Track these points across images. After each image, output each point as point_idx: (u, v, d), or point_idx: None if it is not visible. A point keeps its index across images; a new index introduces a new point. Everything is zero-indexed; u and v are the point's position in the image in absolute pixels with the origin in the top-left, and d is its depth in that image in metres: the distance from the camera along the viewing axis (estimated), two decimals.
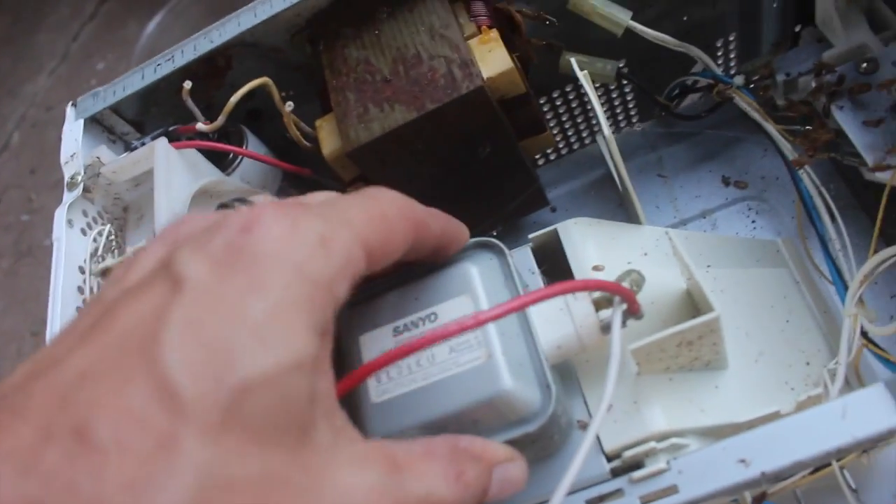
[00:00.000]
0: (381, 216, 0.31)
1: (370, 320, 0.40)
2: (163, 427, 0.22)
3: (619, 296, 0.37)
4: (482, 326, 0.37)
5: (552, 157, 0.73)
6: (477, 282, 0.39)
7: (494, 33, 0.50)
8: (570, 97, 0.69)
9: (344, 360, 0.40)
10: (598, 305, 0.39)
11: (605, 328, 0.39)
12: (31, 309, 1.74)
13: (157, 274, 0.26)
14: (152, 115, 0.62)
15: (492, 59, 0.49)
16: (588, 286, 0.36)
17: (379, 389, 0.38)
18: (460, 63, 0.48)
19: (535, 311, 0.39)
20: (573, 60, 0.50)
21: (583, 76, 0.48)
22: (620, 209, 0.61)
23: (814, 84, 0.54)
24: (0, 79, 2.29)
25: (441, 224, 0.38)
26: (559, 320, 0.39)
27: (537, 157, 0.72)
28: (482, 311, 0.31)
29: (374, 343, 0.39)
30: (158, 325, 0.24)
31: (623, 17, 0.53)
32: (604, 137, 0.47)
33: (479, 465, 0.32)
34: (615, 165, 0.50)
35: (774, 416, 0.42)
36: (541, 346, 0.38)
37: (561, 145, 0.72)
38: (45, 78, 2.22)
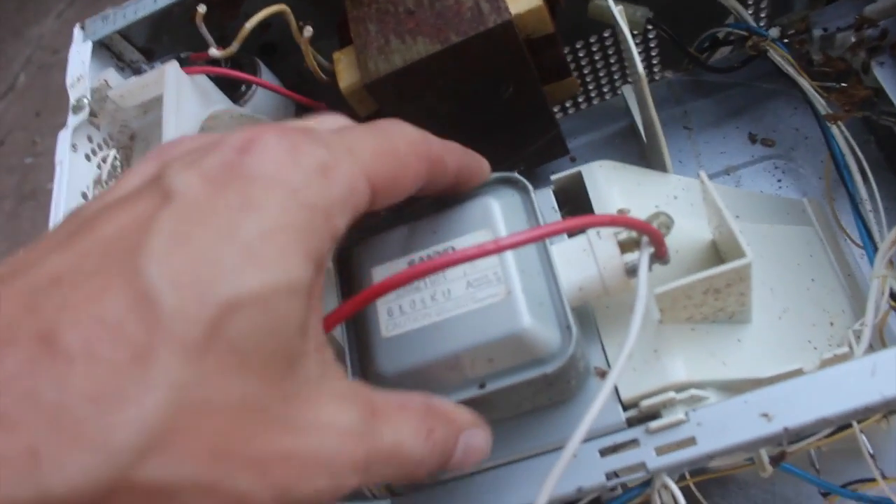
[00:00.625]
0: (391, 150, 0.30)
1: (384, 252, 0.38)
2: (138, 339, 0.21)
3: (648, 236, 0.35)
4: (502, 257, 0.35)
5: (571, 110, 0.71)
6: (498, 216, 0.37)
7: None
8: (594, 48, 0.66)
9: (356, 289, 0.38)
10: (624, 248, 0.38)
11: (630, 271, 0.37)
12: None
13: (146, 188, 0.25)
14: (163, 42, 0.60)
15: None
16: (616, 221, 0.34)
17: (390, 324, 0.36)
18: None
19: (557, 251, 0.38)
20: (611, 3, 0.48)
21: (618, 12, 0.46)
22: (642, 161, 0.59)
23: (853, 39, 0.52)
24: (6, 20, 2.26)
25: (459, 160, 0.36)
26: (582, 261, 0.38)
27: (558, 106, 0.70)
28: (503, 237, 0.29)
29: (388, 276, 0.37)
30: (143, 234, 0.22)
31: None
32: (638, 79, 0.45)
33: (448, 426, 0.31)
34: (645, 110, 0.48)
35: (797, 374, 0.40)
36: (562, 285, 0.36)
37: (581, 99, 0.71)
38: (52, 20, 2.19)
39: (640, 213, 0.42)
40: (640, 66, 0.44)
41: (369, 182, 0.28)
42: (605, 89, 0.70)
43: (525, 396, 0.37)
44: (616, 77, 0.70)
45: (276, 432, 0.24)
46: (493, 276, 0.36)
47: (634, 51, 0.44)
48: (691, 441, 0.36)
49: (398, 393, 0.30)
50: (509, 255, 0.36)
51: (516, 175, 0.39)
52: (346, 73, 0.50)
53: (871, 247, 0.48)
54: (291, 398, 0.24)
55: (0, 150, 1.97)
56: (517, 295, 0.35)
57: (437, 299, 0.36)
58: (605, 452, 0.37)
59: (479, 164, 0.38)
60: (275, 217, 0.24)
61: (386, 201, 0.30)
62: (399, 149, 0.30)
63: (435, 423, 0.30)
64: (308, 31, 0.49)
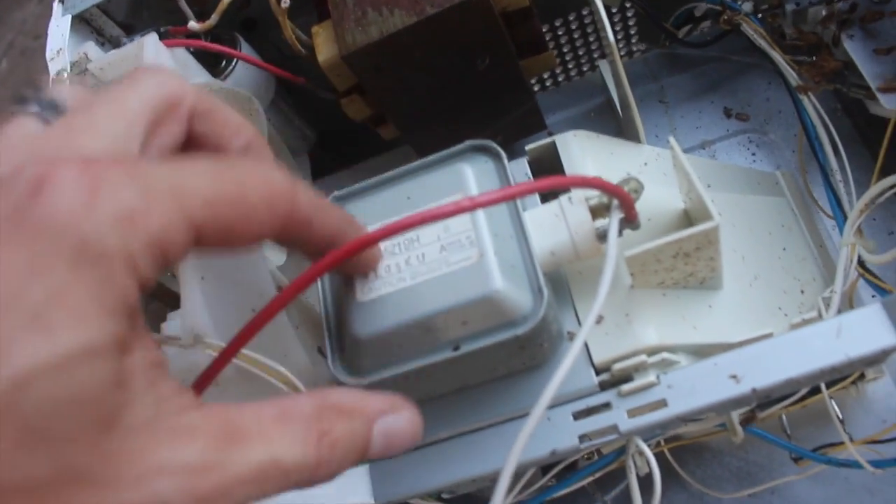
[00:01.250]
0: (234, 198, 0.25)
1: (362, 218, 0.39)
2: None
3: (618, 199, 0.35)
4: (475, 221, 0.36)
5: (549, 84, 0.72)
6: (471, 182, 0.38)
7: None
8: (573, 25, 0.67)
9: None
10: (595, 213, 0.38)
11: (601, 236, 0.38)
12: None
13: None
14: (143, 18, 0.60)
15: None
16: (587, 182, 0.34)
17: (365, 288, 0.37)
18: None
19: (529, 216, 0.38)
20: None
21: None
22: (619, 136, 0.60)
23: (824, 13, 0.53)
24: None
25: (331, 228, 0.30)
26: (554, 226, 0.38)
27: (537, 80, 0.71)
28: (478, 195, 0.30)
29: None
30: None
31: None
32: (611, 50, 0.45)
33: (351, 420, 0.28)
34: (619, 85, 0.49)
35: (766, 338, 0.41)
36: (534, 249, 0.37)
37: (559, 73, 0.71)
38: (34, 5, 2.17)
39: (612, 180, 0.43)
40: (611, 36, 0.44)
41: (192, 229, 0.25)
42: (585, 65, 0.71)
43: (499, 359, 0.37)
44: (595, 54, 0.70)
45: (97, 497, 0.22)
46: (465, 240, 0.36)
47: (606, 23, 0.45)
48: (662, 403, 0.37)
49: (281, 400, 0.28)
50: (482, 219, 0.37)
51: (489, 142, 0.40)
52: (325, 46, 0.51)
53: (841, 217, 0.49)
54: (114, 455, 0.22)
55: None
56: (490, 258, 0.35)
57: (411, 263, 0.36)
58: (578, 416, 0.38)
59: (359, 241, 0.31)
60: (62, 277, 0.21)
61: (218, 248, 0.27)
62: (247, 198, 0.26)
63: (330, 422, 0.28)
64: (285, 2, 0.49)
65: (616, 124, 0.61)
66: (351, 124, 0.58)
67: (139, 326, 0.24)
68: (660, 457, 0.40)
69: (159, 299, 0.50)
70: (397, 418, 0.30)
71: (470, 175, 0.38)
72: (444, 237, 0.36)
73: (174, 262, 0.25)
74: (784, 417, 0.48)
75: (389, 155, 0.67)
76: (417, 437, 0.31)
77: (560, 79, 0.71)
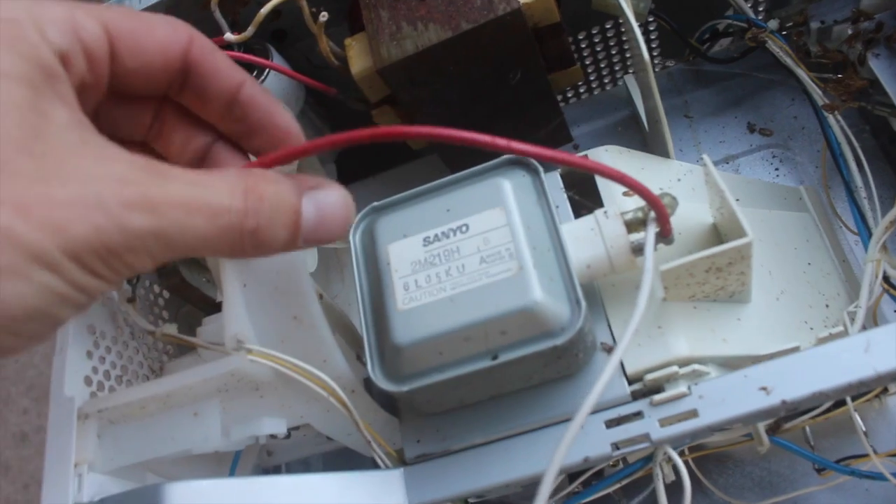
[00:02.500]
0: (139, 15, 0.31)
1: (400, 230, 0.40)
2: None
3: (655, 210, 0.36)
4: (514, 234, 0.37)
5: (572, 99, 0.73)
6: (510, 196, 0.39)
7: None
8: (596, 39, 0.68)
9: (374, 267, 0.40)
10: (630, 227, 0.39)
11: (636, 250, 0.39)
12: None
13: None
14: None
15: None
16: (636, 186, 0.35)
17: (406, 297, 0.38)
18: None
19: (566, 229, 0.39)
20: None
21: (625, 3, 0.47)
22: (643, 149, 0.60)
23: (850, 31, 0.54)
24: None
25: (230, 70, 0.34)
26: (590, 239, 0.39)
27: (562, 94, 0.72)
28: (518, 143, 0.31)
29: (404, 252, 0.39)
30: None
31: None
32: (644, 66, 0.46)
33: (278, 184, 0.30)
34: (649, 97, 0.50)
35: (794, 352, 0.42)
36: (572, 261, 0.38)
37: (582, 88, 0.72)
38: None
39: None
40: (645, 54, 0.45)
41: (102, 26, 0.29)
42: (606, 79, 0.72)
43: (535, 368, 0.38)
44: (617, 67, 0.71)
45: (31, 190, 0.24)
46: (505, 252, 0.37)
47: (640, 39, 0.46)
48: (693, 413, 0.38)
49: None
50: (521, 233, 0.37)
51: (527, 158, 0.41)
52: (358, 58, 0.52)
53: (865, 233, 0.50)
54: (44, 158, 0.24)
55: None
56: (529, 270, 0.36)
57: (451, 274, 0.37)
58: (610, 424, 0.39)
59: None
60: None
61: (130, 59, 0.30)
62: (152, 18, 0.31)
63: (257, 182, 0.29)
64: (324, 16, 0.50)
65: (641, 138, 0.62)
66: None
67: (63, 92, 0.27)
68: (683, 465, 0.41)
69: (193, 304, 0.51)
70: (328, 193, 0.32)
71: (508, 189, 0.39)
72: (484, 249, 0.37)
73: (88, 52, 0.28)
74: (808, 429, 0.49)
75: (415, 164, 0.68)
76: (350, 214, 0.32)
77: (583, 92, 0.72)
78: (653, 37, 0.67)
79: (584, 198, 0.46)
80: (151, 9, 0.58)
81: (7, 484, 1.50)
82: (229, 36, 0.53)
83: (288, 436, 0.45)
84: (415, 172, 0.68)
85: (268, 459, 0.57)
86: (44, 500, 0.39)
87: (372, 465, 0.44)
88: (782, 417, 0.47)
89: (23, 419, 1.55)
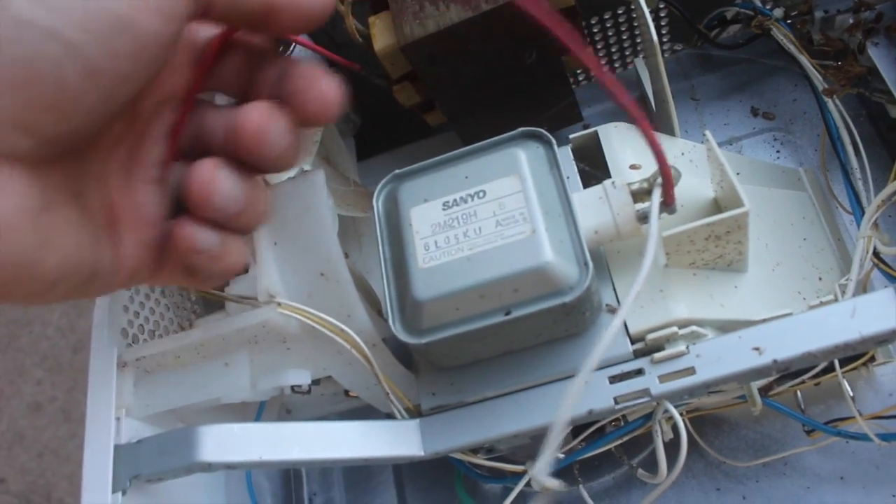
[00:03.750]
0: None
1: (421, 195, 0.43)
2: None
3: (663, 175, 0.39)
4: (528, 199, 0.40)
5: (583, 81, 0.75)
6: (524, 164, 0.42)
7: None
8: (608, 24, 0.71)
9: (396, 229, 0.43)
10: (636, 197, 0.42)
11: (641, 218, 0.42)
12: None
13: None
14: None
15: None
16: (658, 150, 0.38)
17: (427, 256, 0.41)
18: None
19: (576, 197, 0.42)
20: None
21: None
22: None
23: (851, 20, 0.56)
24: None
25: None
26: (598, 207, 0.42)
27: (574, 76, 0.75)
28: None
29: (425, 216, 0.42)
30: None
31: None
32: (653, 48, 0.49)
33: None
34: (658, 78, 0.53)
35: (787, 317, 0.45)
36: (581, 226, 0.40)
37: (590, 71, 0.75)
38: None
39: (650, 167, 0.47)
40: (654, 37, 0.48)
41: None
42: (617, 63, 0.75)
43: (545, 325, 0.41)
44: (627, 52, 0.74)
45: None
46: (519, 216, 0.40)
47: (651, 23, 0.48)
48: (691, 371, 0.41)
49: None
50: (534, 199, 0.40)
51: (540, 130, 0.44)
52: (381, 35, 0.54)
53: (859, 213, 0.52)
54: None
55: None
56: (541, 233, 0.39)
57: (468, 236, 0.40)
58: (613, 380, 0.42)
59: None
60: None
61: None
62: None
63: None
64: None
65: (648, 118, 0.64)
66: (395, 109, 0.61)
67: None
68: (682, 421, 0.44)
69: None
70: None
71: (523, 159, 0.42)
72: (500, 213, 0.40)
73: None
74: (798, 394, 0.52)
75: (432, 140, 0.71)
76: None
77: (593, 75, 0.75)
78: (663, 22, 0.70)
79: (594, 170, 0.48)
80: None
81: (22, 452, 1.53)
82: None
83: (308, 391, 0.48)
84: (431, 148, 0.70)
85: (286, 417, 0.60)
86: (87, 441, 0.42)
87: (389, 416, 0.47)
88: (774, 379, 0.49)
89: (37, 389, 1.58)
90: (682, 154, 0.49)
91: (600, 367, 0.42)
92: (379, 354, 0.44)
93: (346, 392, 0.51)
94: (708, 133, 0.44)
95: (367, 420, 0.44)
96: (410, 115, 0.62)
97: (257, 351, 0.44)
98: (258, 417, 0.54)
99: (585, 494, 0.56)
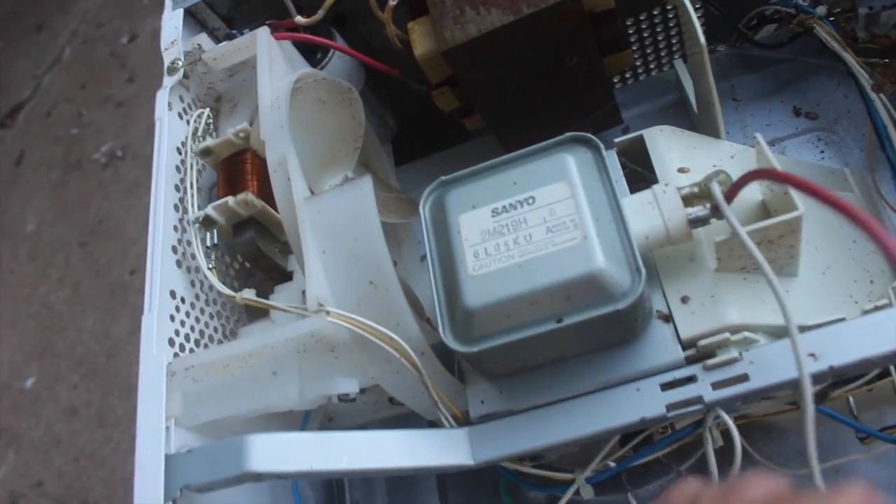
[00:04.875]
0: None
1: (469, 201, 0.42)
2: None
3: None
4: (578, 206, 0.40)
5: (618, 84, 0.75)
6: (573, 171, 0.41)
7: None
8: (644, 25, 0.70)
9: (444, 236, 0.42)
10: (686, 201, 0.41)
11: (693, 222, 0.41)
12: (80, 220, 1.78)
13: None
14: (243, 11, 0.64)
15: None
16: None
17: (477, 264, 0.40)
18: None
19: (626, 202, 0.41)
20: None
21: None
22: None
23: None
24: None
25: None
26: (648, 212, 0.41)
27: (611, 78, 0.74)
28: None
29: (474, 222, 0.42)
30: None
31: None
32: (700, 49, 0.48)
33: None
34: (703, 79, 0.52)
35: (840, 322, 0.44)
36: (632, 232, 0.40)
37: (628, 74, 0.74)
38: None
39: (697, 173, 0.46)
40: (701, 37, 0.47)
41: None
42: (652, 64, 0.74)
43: (596, 332, 0.41)
44: (663, 53, 0.73)
45: None
46: (570, 222, 0.40)
47: (696, 21, 0.48)
48: (744, 377, 0.40)
49: None
50: (584, 205, 0.40)
51: (589, 135, 0.43)
52: (421, 41, 0.54)
53: None
54: None
55: (46, 122, 2.03)
56: (592, 239, 0.39)
57: (519, 243, 0.40)
58: (665, 387, 0.41)
59: None
60: None
61: None
62: None
63: None
64: (393, 1, 0.53)
65: (689, 120, 0.64)
66: (432, 114, 0.61)
67: None
68: (730, 433, 0.43)
69: (264, 272, 0.54)
70: None
71: (572, 164, 0.42)
72: (550, 220, 0.40)
73: None
74: (851, 399, 0.51)
75: (469, 145, 0.70)
76: None
77: (629, 77, 0.74)
78: (700, 22, 0.69)
79: (637, 175, 0.48)
80: None
81: (58, 456, 1.55)
82: (299, 19, 0.56)
83: (354, 399, 0.47)
84: (469, 153, 0.70)
85: (329, 425, 0.60)
86: (138, 451, 0.42)
87: (437, 424, 0.47)
88: (828, 386, 0.49)
89: (72, 394, 1.60)
90: (732, 157, 0.49)
91: (651, 375, 0.42)
92: (427, 363, 0.43)
93: (391, 399, 0.51)
94: (758, 135, 0.44)
95: (413, 429, 0.44)
96: (447, 119, 0.62)
97: (305, 360, 0.43)
98: (304, 425, 0.54)
99: (633, 501, 0.55)
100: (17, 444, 1.60)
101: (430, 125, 0.70)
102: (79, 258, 1.73)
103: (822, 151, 0.61)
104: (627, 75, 0.75)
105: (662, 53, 0.73)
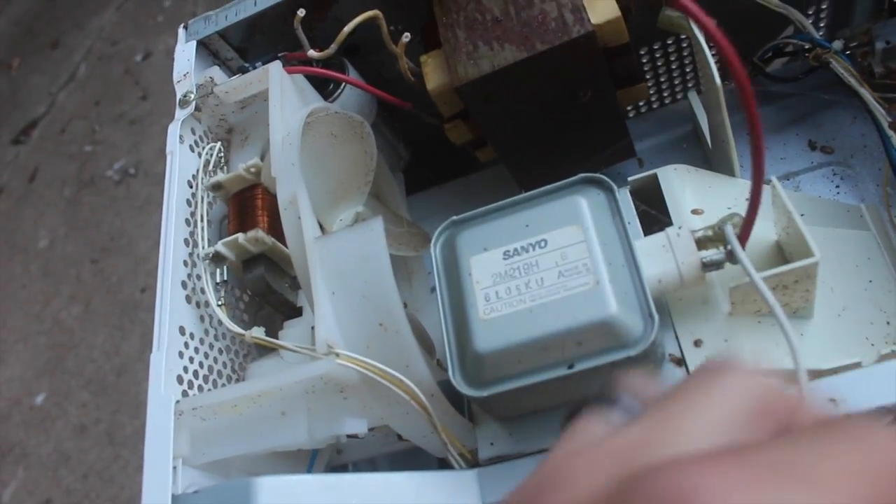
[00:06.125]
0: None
1: (480, 243, 0.42)
2: None
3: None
4: (591, 250, 0.39)
5: (631, 113, 0.74)
6: (586, 213, 0.41)
7: None
8: (657, 55, 0.70)
9: (455, 277, 0.42)
10: (701, 245, 0.41)
11: (706, 266, 0.41)
12: (92, 236, 1.79)
13: None
14: (256, 42, 0.64)
15: (600, 6, 0.50)
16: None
17: (487, 307, 0.40)
18: (572, 8, 0.49)
19: (639, 245, 0.41)
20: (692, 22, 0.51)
21: (699, 32, 0.49)
22: (704, 166, 0.62)
23: None
24: (68, 11, 2.33)
25: None
26: (662, 256, 0.41)
27: (628, 109, 0.74)
28: None
29: (485, 265, 0.41)
30: None
31: None
32: (715, 89, 0.48)
33: None
34: (718, 116, 0.51)
35: (856, 367, 0.43)
36: (645, 276, 0.39)
37: (642, 104, 0.74)
38: (112, 12, 2.25)
39: (712, 213, 0.46)
40: (717, 78, 0.47)
41: None
42: (666, 94, 0.74)
43: (607, 377, 0.40)
44: (677, 83, 0.73)
45: None
46: (582, 266, 0.39)
47: (711, 61, 0.47)
48: None
49: None
50: (597, 249, 0.40)
51: (602, 176, 0.43)
52: (434, 75, 0.54)
53: None
54: None
55: (60, 138, 2.04)
56: (605, 284, 0.38)
57: (530, 287, 0.40)
58: None
59: None
60: None
61: None
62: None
63: None
64: (406, 37, 0.53)
65: (702, 153, 0.63)
66: (444, 144, 0.61)
67: None
68: None
69: (273, 307, 0.54)
70: None
71: (585, 207, 0.41)
72: (562, 264, 0.39)
73: None
74: None
75: (481, 175, 0.70)
76: None
77: (642, 107, 0.74)
78: (713, 51, 0.69)
79: (650, 215, 0.47)
80: (235, 26, 0.61)
81: (67, 473, 1.55)
82: (312, 53, 0.56)
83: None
84: (481, 183, 0.70)
85: (336, 457, 0.60)
86: (145, 492, 0.42)
87: (438, 464, 0.46)
88: None
89: (82, 412, 1.60)
90: (747, 199, 0.48)
91: None
92: (437, 404, 0.43)
93: (399, 435, 0.51)
94: (774, 180, 0.43)
95: (422, 470, 0.43)
96: (459, 149, 0.61)
97: (314, 400, 0.43)
98: (312, 460, 0.53)
99: None
100: (27, 461, 1.60)
101: (441, 155, 0.70)
102: (90, 275, 1.74)
103: (837, 186, 0.61)
104: (639, 106, 0.74)
105: (676, 83, 0.73)
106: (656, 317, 0.38)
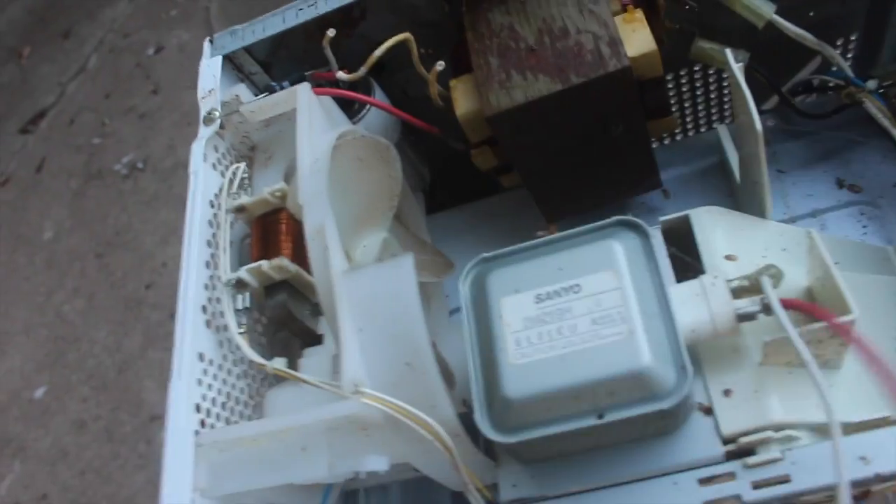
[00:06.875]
0: None
1: (511, 284, 0.41)
2: None
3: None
4: (625, 298, 0.39)
5: (655, 143, 0.74)
6: (622, 259, 0.40)
7: (639, 13, 0.51)
8: (684, 84, 0.69)
9: (484, 318, 0.41)
10: (735, 294, 0.40)
11: (741, 317, 0.40)
12: (97, 230, 1.78)
13: None
14: (280, 57, 0.63)
15: (636, 39, 0.50)
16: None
17: (518, 353, 0.39)
18: (609, 40, 0.49)
19: (672, 292, 0.40)
20: (728, 53, 0.51)
21: (738, 68, 0.49)
22: (730, 199, 0.62)
23: None
24: (80, 2, 2.32)
25: None
26: (695, 304, 0.40)
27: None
28: None
29: (516, 308, 0.41)
30: None
31: (767, 10, 0.54)
32: (756, 136, 0.47)
33: None
34: (752, 162, 0.51)
35: (884, 422, 0.43)
36: (679, 327, 0.39)
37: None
38: (124, 4, 2.24)
39: (745, 259, 0.45)
40: (758, 125, 0.46)
41: None
42: (689, 124, 0.73)
43: (637, 427, 0.39)
44: (701, 112, 0.72)
45: None
46: (616, 315, 0.38)
47: (752, 106, 0.46)
48: (786, 478, 0.39)
49: None
50: (632, 297, 0.39)
51: (636, 220, 0.42)
52: (463, 101, 0.53)
53: None
54: None
55: (69, 129, 2.03)
56: (639, 335, 0.38)
57: (563, 333, 0.39)
58: (703, 482, 0.40)
59: None
60: None
61: None
62: None
63: None
64: (440, 65, 0.52)
65: (728, 186, 0.63)
66: (466, 166, 0.60)
67: None
68: None
69: (293, 333, 0.53)
70: None
71: (620, 252, 0.41)
72: (596, 311, 0.39)
73: None
74: (889, 496, 0.49)
75: (502, 197, 0.69)
76: None
77: (665, 137, 0.73)
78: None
79: (684, 255, 0.47)
80: (260, 43, 0.60)
81: (65, 469, 1.54)
82: (341, 75, 0.55)
83: None
84: (502, 206, 0.69)
85: (349, 483, 0.59)
86: None
87: (450, 495, 0.45)
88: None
89: (82, 407, 1.59)
90: (783, 248, 0.48)
91: (690, 469, 0.41)
92: (460, 445, 0.42)
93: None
94: (813, 232, 0.42)
95: (435, 498, 0.43)
96: (481, 172, 0.61)
97: (336, 437, 0.42)
98: (328, 491, 0.52)
99: None
100: (24, 455, 1.59)
101: (464, 177, 0.69)
102: (94, 269, 1.73)
103: (864, 226, 0.60)
104: (664, 137, 0.74)
105: (698, 113, 0.72)
106: (690, 369, 0.37)
